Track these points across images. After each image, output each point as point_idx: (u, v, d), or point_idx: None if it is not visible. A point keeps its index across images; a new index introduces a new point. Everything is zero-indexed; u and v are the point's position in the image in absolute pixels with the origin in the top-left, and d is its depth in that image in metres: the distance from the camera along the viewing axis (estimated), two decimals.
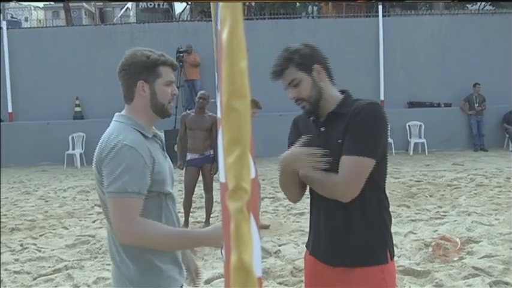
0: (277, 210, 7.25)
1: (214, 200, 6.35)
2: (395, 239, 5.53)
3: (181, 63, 12.54)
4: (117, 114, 1.99)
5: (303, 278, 4.54)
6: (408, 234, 5.72)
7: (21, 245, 5.77)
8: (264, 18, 14.25)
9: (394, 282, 2.12)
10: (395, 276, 2.16)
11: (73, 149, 12.48)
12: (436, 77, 13.73)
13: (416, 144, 13.08)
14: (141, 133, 1.92)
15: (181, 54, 12.55)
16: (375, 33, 13.64)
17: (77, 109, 13.22)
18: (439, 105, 13.54)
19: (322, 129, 2.09)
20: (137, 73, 1.94)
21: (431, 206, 7.14)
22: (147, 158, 1.85)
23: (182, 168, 6.26)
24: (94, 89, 13.13)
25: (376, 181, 2.03)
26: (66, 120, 13.07)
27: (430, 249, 5.11)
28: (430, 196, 7.89)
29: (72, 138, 12.51)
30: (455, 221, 6.29)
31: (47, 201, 8.39)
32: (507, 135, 13.27)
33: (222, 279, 4.51)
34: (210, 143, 6.16)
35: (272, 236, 5.84)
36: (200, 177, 6.27)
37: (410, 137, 13.12)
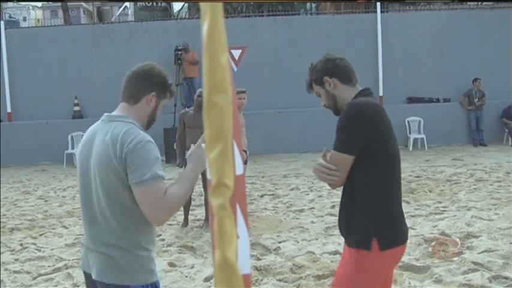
0: (277, 207, 7.25)
1: None
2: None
3: (179, 61, 12.53)
4: (120, 115, 2.20)
5: (302, 275, 4.57)
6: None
7: (21, 244, 5.77)
8: (263, 15, 14.22)
9: (369, 271, 2.26)
10: (377, 268, 2.28)
11: (72, 148, 12.45)
12: (435, 72, 13.70)
13: (415, 139, 13.07)
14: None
15: (180, 52, 12.53)
16: (373, 29, 13.62)
17: (76, 108, 13.19)
18: (438, 100, 13.51)
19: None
20: (154, 85, 2.21)
21: (431, 202, 7.14)
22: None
23: (181, 166, 6.25)
24: (93, 88, 13.09)
25: (370, 172, 2.27)
26: (65, 119, 13.05)
27: (431, 245, 5.10)
28: (430, 191, 7.88)
29: (72, 137, 12.49)
30: (454, 216, 6.29)
31: (46, 200, 8.39)
32: (506, 130, 13.25)
33: None
34: None
35: (272, 233, 5.84)
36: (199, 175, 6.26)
37: (410, 133, 13.10)
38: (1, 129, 12.62)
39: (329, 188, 2.51)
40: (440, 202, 7.11)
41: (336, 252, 5.00)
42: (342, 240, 4.98)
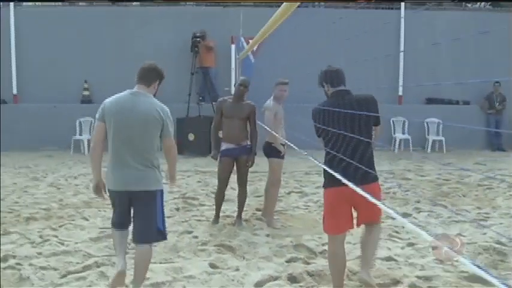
0: (308, 206, 6.85)
1: (247, 194, 5.92)
2: None
3: (196, 49, 12.00)
4: (144, 92, 3.70)
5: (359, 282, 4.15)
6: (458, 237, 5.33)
7: (41, 236, 5.30)
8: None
9: (326, 203, 3.90)
10: (327, 201, 3.86)
11: (80, 134, 11.97)
12: (455, 74, 13.31)
13: (434, 141, 12.71)
14: None
15: (198, 39, 11.98)
16: (396, 27, 13.18)
17: (85, 93, 12.66)
18: (457, 102, 13.16)
19: None
20: (159, 76, 3.79)
21: (470, 207, 6.77)
22: None
23: (216, 159, 5.78)
24: (103, 73, 12.51)
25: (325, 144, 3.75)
26: (73, 104, 12.51)
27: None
28: (464, 196, 7.51)
29: (80, 123, 12.00)
30: (501, 224, 5.92)
31: (59, 188, 7.91)
32: None
33: (274, 281, 4.09)
34: (247, 133, 5.71)
35: (312, 234, 5.41)
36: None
37: (428, 134, 12.74)
38: (5, 111, 12.07)
39: None
40: (480, 208, 6.74)
41: (389, 258, 4.62)
42: (391, 243, 4.62)
